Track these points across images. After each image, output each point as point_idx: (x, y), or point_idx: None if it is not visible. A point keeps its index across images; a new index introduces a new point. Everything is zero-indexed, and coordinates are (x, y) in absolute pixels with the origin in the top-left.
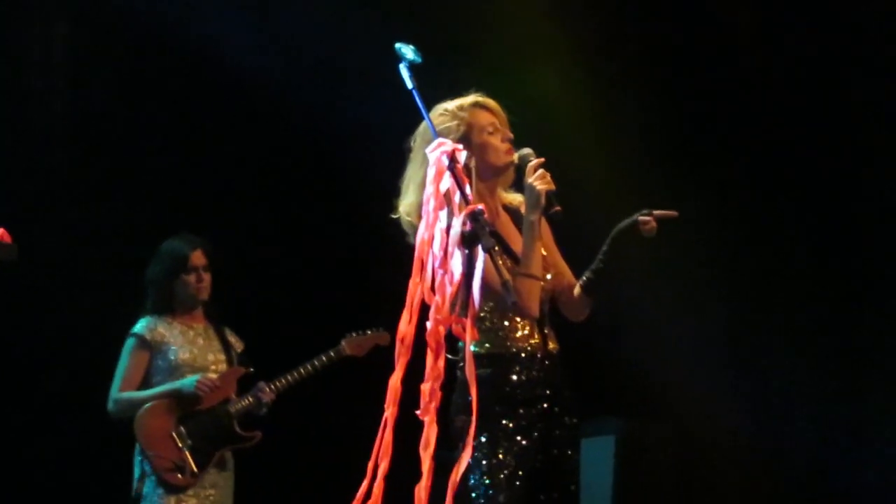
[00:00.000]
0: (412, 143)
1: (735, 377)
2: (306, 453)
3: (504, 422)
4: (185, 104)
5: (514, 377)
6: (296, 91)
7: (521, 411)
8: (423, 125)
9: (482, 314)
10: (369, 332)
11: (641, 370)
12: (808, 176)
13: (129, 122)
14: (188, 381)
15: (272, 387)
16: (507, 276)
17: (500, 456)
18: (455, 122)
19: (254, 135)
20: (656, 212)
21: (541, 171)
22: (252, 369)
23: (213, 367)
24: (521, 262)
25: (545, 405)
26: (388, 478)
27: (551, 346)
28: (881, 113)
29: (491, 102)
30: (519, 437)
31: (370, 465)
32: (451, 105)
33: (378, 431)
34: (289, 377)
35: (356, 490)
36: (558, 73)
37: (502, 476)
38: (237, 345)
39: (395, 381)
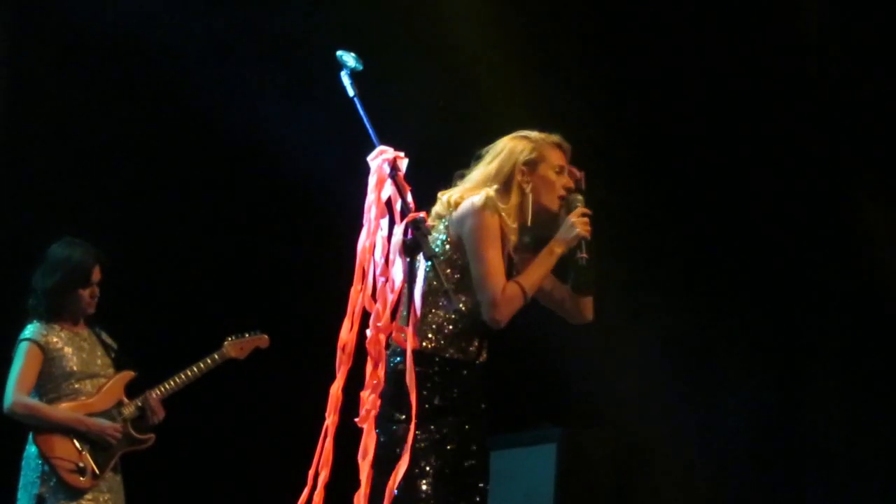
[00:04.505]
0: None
1: (677, 385)
2: (248, 461)
3: (425, 423)
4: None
5: (438, 380)
6: (192, 81)
7: (440, 415)
8: (503, 142)
9: (447, 317)
10: (247, 336)
11: (583, 379)
12: (750, 186)
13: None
14: (98, 425)
15: (159, 392)
16: (492, 285)
17: (423, 459)
18: (530, 146)
19: (138, 125)
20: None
21: (585, 217)
22: (136, 373)
23: (102, 372)
24: (523, 273)
25: (461, 413)
26: (329, 486)
27: (480, 355)
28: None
29: (568, 148)
30: (439, 439)
31: (311, 473)
32: (533, 133)
33: (319, 440)
34: (175, 381)
35: (297, 499)
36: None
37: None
38: (113, 344)
39: (335, 389)
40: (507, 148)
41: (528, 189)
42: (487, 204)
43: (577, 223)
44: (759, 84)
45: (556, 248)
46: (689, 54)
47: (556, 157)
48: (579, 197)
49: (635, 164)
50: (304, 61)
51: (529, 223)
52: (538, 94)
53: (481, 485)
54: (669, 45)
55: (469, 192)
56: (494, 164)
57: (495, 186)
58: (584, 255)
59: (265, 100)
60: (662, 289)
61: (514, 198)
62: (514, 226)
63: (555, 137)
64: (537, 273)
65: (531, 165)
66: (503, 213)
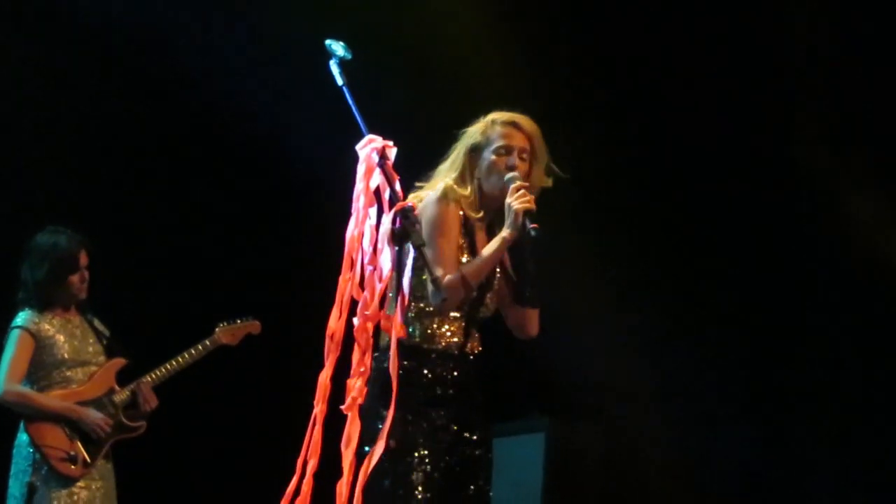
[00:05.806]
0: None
1: (664, 376)
2: (237, 449)
3: (417, 417)
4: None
5: (428, 373)
6: (177, 65)
7: (433, 408)
8: (469, 129)
9: (429, 308)
10: (239, 322)
11: (571, 369)
12: (736, 180)
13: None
14: (89, 416)
15: (150, 378)
16: (437, 273)
17: (415, 452)
18: (478, 130)
19: (127, 113)
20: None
21: (522, 191)
22: (127, 360)
23: (93, 360)
24: (471, 259)
25: (456, 404)
26: (317, 474)
27: (470, 346)
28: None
29: (527, 126)
30: (432, 432)
31: (299, 461)
32: (490, 115)
33: (307, 428)
34: (166, 368)
35: (285, 487)
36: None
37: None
38: (105, 332)
39: (324, 377)
40: (462, 136)
41: (476, 174)
42: (446, 194)
43: (515, 201)
44: (753, 85)
45: (505, 234)
46: (682, 48)
47: (503, 138)
48: (514, 174)
49: (634, 166)
50: (293, 50)
51: (481, 211)
52: (533, 85)
53: (479, 479)
54: (666, 46)
55: (431, 186)
56: (451, 155)
57: (453, 176)
58: (535, 225)
59: (255, 89)
60: (656, 281)
61: (470, 185)
62: (478, 214)
63: (506, 116)
64: (483, 260)
65: (476, 150)
66: (464, 203)
